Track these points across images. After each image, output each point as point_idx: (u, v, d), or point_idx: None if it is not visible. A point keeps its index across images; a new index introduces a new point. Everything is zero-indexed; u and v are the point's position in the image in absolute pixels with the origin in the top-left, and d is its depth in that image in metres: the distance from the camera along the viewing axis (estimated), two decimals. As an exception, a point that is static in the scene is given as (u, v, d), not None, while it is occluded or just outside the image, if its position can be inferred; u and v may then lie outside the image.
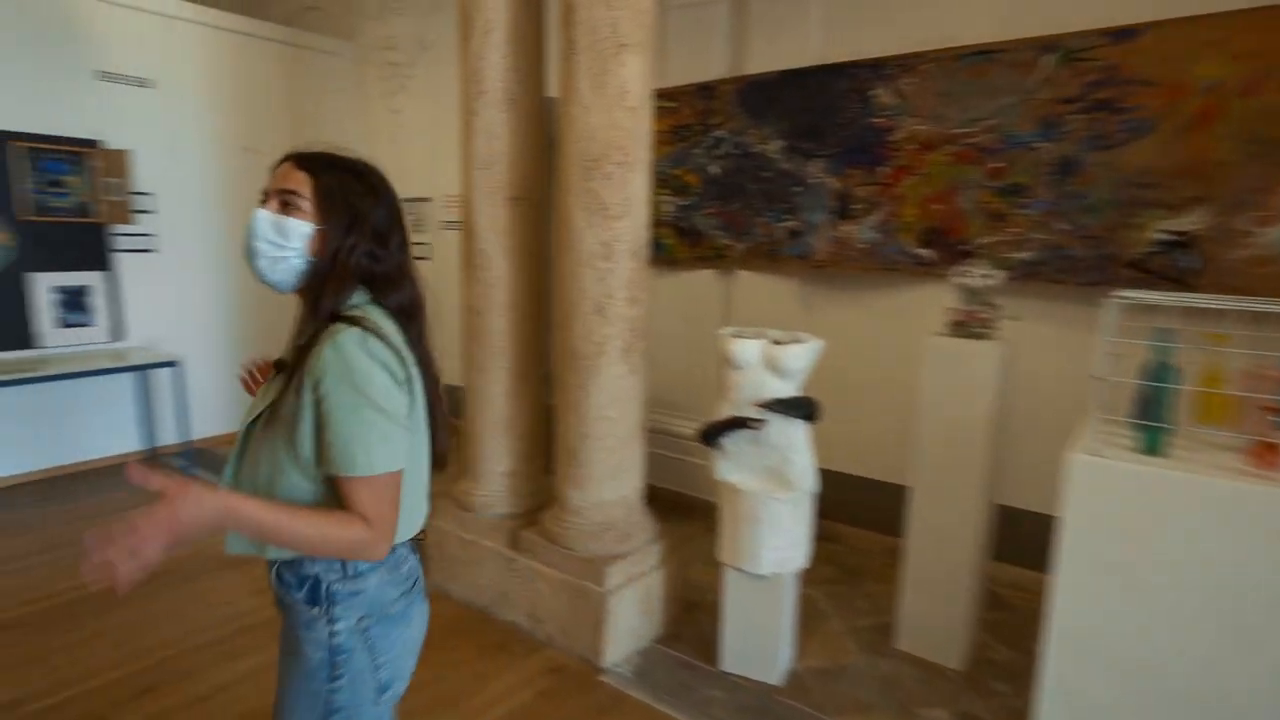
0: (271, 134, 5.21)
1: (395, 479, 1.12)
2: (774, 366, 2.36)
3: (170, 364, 4.38)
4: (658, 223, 3.68)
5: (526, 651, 2.67)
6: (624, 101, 2.44)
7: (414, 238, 5.49)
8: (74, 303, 4.37)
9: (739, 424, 2.38)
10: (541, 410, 3.05)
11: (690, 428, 4.02)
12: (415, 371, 1.18)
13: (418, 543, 1.31)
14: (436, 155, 5.25)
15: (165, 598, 3.00)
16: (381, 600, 1.21)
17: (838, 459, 3.50)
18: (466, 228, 2.87)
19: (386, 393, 1.10)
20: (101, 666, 2.54)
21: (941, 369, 2.54)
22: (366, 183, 1.23)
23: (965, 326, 2.54)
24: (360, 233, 1.18)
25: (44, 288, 4.25)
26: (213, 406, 5.03)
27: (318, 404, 1.08)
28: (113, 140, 4.45)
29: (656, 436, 3.59)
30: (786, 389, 2.38)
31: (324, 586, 1.17)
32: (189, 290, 4.88)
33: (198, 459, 4.65)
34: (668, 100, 3.90)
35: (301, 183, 1.18)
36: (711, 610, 2.73)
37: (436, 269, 5.42)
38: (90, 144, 4.37)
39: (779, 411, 2.36)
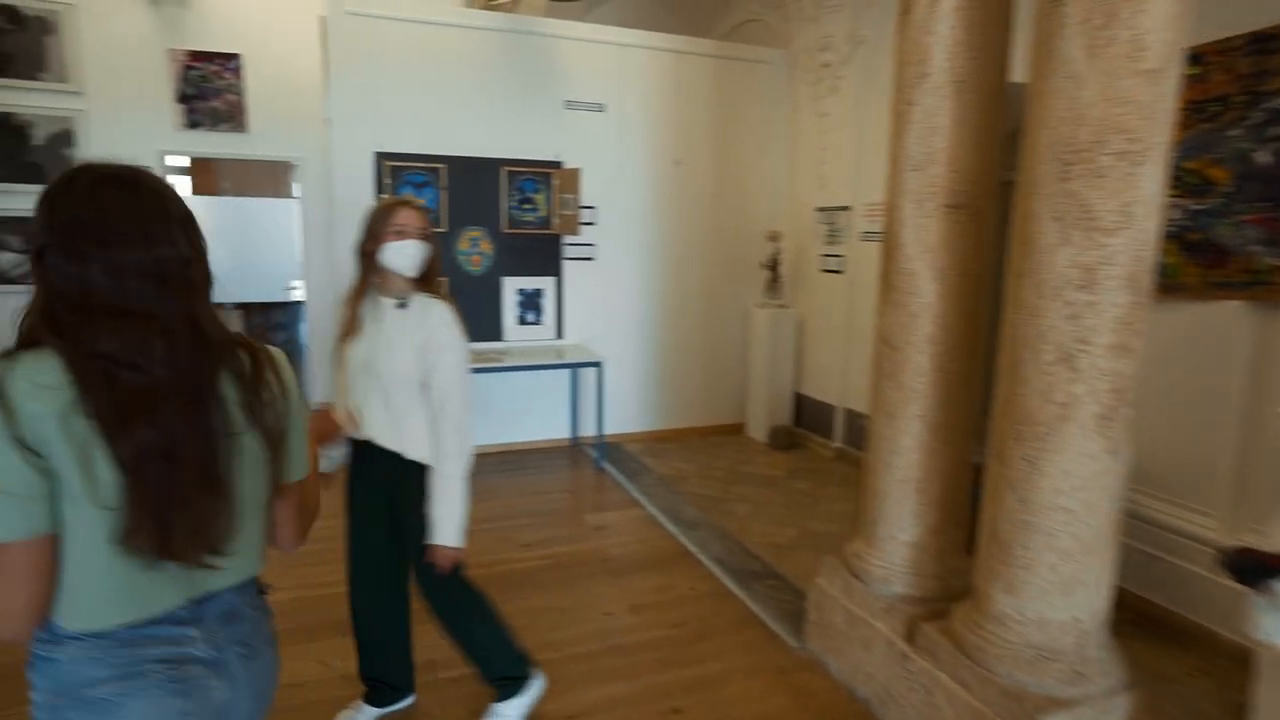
0: (702, 146, 5.36)
1: None
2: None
3: (595, 364, 4.75)
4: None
5: (916, 782, 2.10)
6: (1137, 63, 1.69)
7: (829, 249, 5.19)
8: (530, 304, 5.03)
9: (1314, 567, 1.46)
10: (965, 472, 2.41)
11: (1185, 520, 2.90)
12: (68, 433, 0.91)
13: (207, 625, 1.06)
14: (862, 159, 4.81)
15: (558, 593, 3.14)
16: (76, 679, 0.97)
17: None
18: (888, 241, 2.38)
19: None
20: (499, 652, 2.71)
21: None
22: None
23: None
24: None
25: (511, 290, 4.97)
26: (629, 405, 5.39)
27: None
28: (569, 160, 4.99)
29: (1130, 522, 2.62)
30: None
31: (31, 645, 0.99)
32: (617, 296, 5.28)
33: (608, 453, 4.99)
34: (1188, 65, 2.83)
35: None
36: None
37: (849, 285, 4.98)
38: (555, 165, 4.97)
39: None
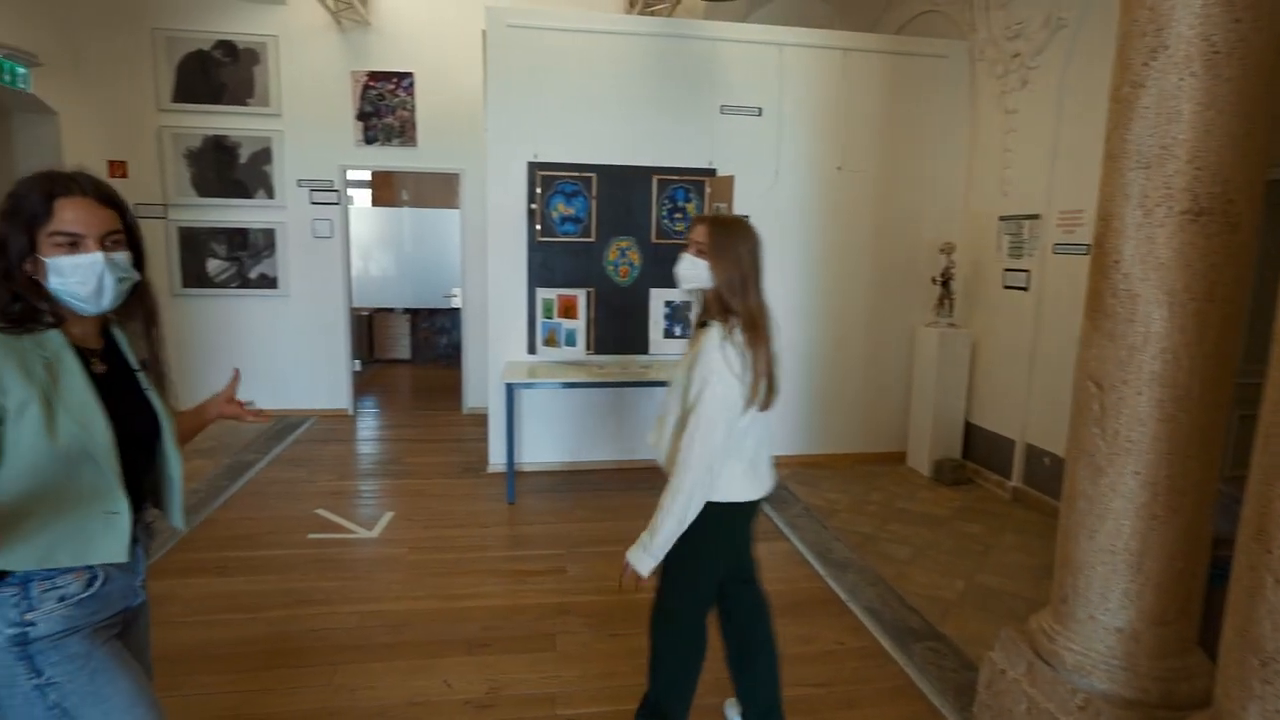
0: (866, 151, 4.95)
1: None
2: None
3: (741, 383, 4.47)
4: None
5: None
6: None
7: (1013, 263, 4.59)
8: (677, 316, 4.84)
9: None
10: (1202, 548, 1.91)
11: None
12: None
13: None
14: (1057, 161, 4.21)
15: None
16: None
17: None
18: (1100, 255, 1.94)
19: None
20: (624, 694, 2.52)
21: None
22: None
23: None
24: None
25: (659, 302, 4.82)
26: (776, 427, 5.05)
27: None
28: (723, 167, 4.77)
29: None
30: None
31: None
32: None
33: (754, 477, 4.70)
34: None
35: None
36: None
37: (1036, 304, 4.38)
38: (708, 172, 4.77)
39: None
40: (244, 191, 5.89)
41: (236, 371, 1.69)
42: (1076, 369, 2.03)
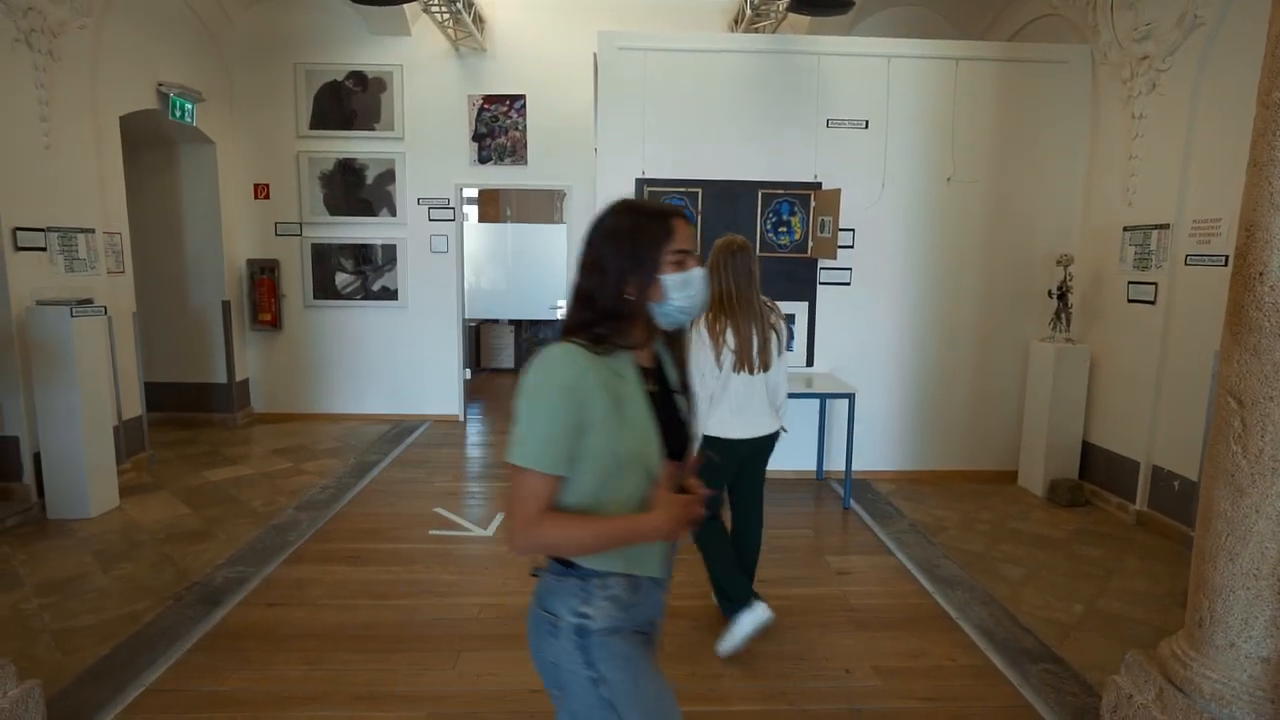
0: (979, 161, 4.84)
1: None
2: None
3: (847, 395, 4.45)
4: None
5: None
6: None
7: (1138, 275, 4.37)
8: (779, 329, 4.86)
9: None
10: (1353, 575, 1.80)
11: None
12: None
13: None
14: (1189, 168, 4.01)
15: (793, 639, 2.93)
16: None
17: None
18: (1243, 267, 1.87)
19: None
20: (732, 695, 2.58)
21: None
22: None
23: None
24: None
25: (759, 314, 4.86)
26: (882, 441, 4.99)
27: None
28: (829, 180, 4.77)
29: None
30: None
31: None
32: (874, 323, 4.93)
33: (856, 492, 4.65)
34: None
35: None
36: None
37: (1164, 319, 4.17)
38: (813, 186, 4.79)
39: None
40: (369, 210, 6.33)
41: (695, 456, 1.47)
42: (1219, 384, 1.96)
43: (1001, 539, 4.01)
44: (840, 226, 4.80)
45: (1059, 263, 4.59)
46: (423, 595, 3.25)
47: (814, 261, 4.83)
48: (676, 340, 1.40)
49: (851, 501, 4.49)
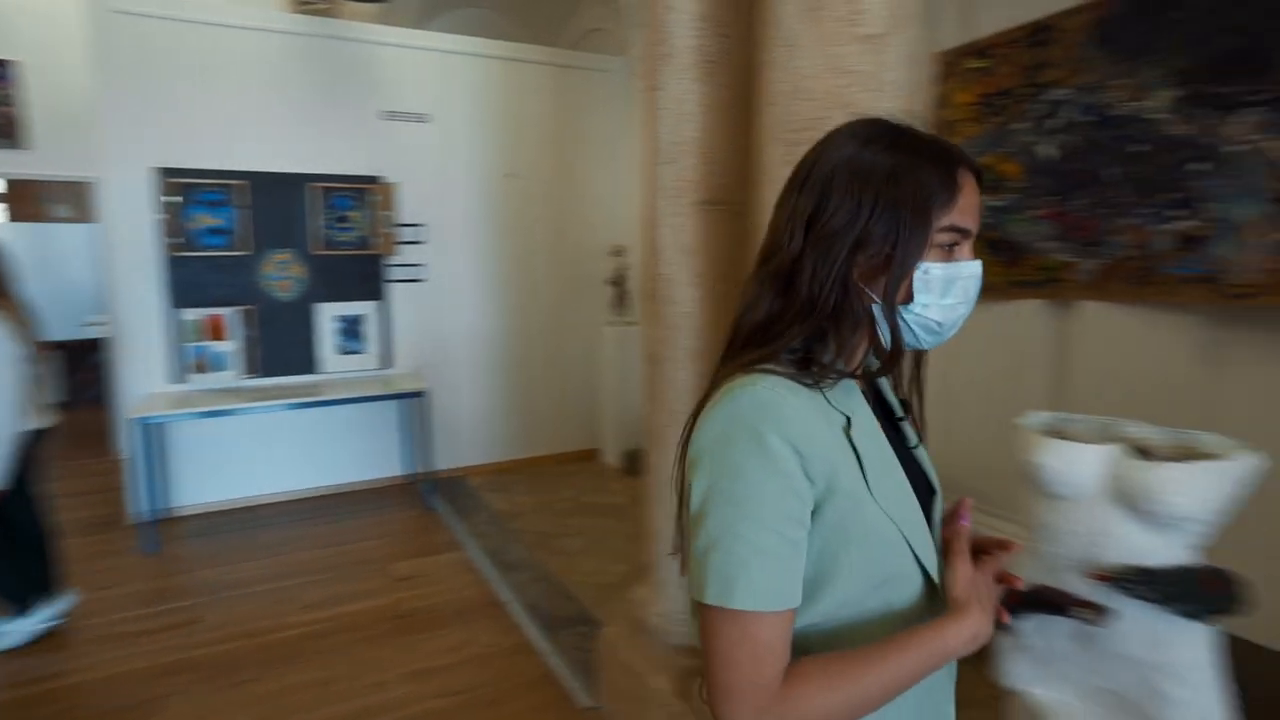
0: (537, 159, 5.07)
1: None
2: (1135, 499, 1.19)
3: (416, 394, 4.34)
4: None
5: None
6: (856, 27, 1.48)
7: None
8: (351, 331, 4.58)
9: (1053, 606, 1.24)
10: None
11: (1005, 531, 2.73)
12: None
13: None
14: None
15: (329, 662, 2.71)
16: None
17: None
18: (646, 245, 2.11)
19: None
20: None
21: None
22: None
23: None
24: None
25: (328, 317, 4.51)
26: (472, 436, 4.99)
27: None
28: (391, 175, 4.60)
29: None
30: (1164, 549, 1.19)
31: None
32: (454, 319, 4.89)
33: (445, 490, 4.58)
34: (976, 58, 2.74)
35: None
36: None
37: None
38: (372, 180, 4.57)
39: (1145, 596, 1.18)
40: None
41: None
42: (640, 350, 2.19)
43: (573, 514, 4.25)
44: (408, 222, 4.68)
45: (614, 253, 5.02)
46: None
47: (378, 258, 4.62)
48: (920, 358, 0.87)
49: (435, 501, 4.40)
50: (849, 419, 0.76)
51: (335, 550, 3.76)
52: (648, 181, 2.09)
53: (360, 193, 4.54)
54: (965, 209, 0.76)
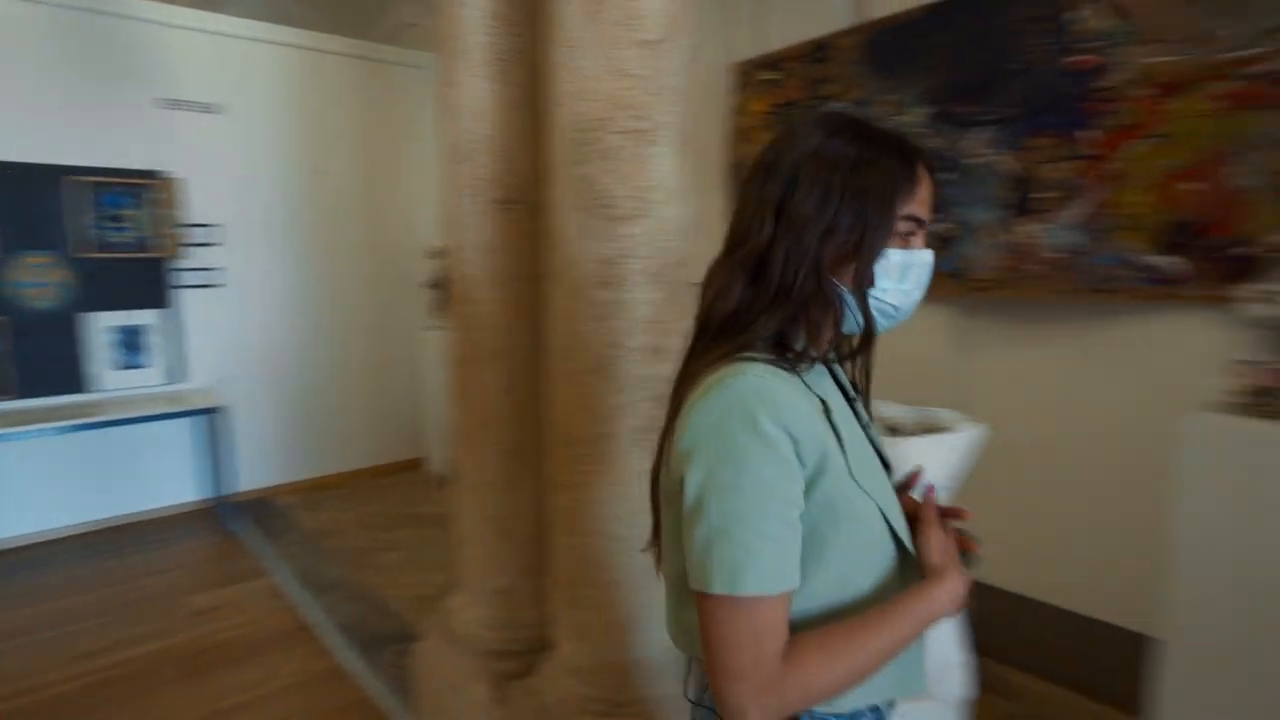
0: (348, 155, 4.81)
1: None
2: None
3: (211, 410, 3.96)
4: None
5: None
6: (635, 33, 1.53)
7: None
8: (131, 343, 4.09)
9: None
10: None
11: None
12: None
13: None
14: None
15: (107, 718, 2.41)
16: None
17: (1019, 578, 2.30)
18: (449, 245, 2.07)
19: None
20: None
21: (1219, 471, 1.36)
22: None
23: (1272, 396, 1.34)
24: None
25: (100, 328, 4.00)
26: (281, 452, 4.63)
27: None
28: (179, 170, 4.17)
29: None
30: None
31: None
32: (258, 328, 4.52)
33: (251, 512, 4.21)
34: (768, 70, 2.93)
35: None
36: None
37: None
38: (151, 175, 4.11)
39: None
40: None
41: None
42: (447, 354, 2.14)
43: (393, 527, 4.07)
44: (198, 222, 4.27)
45: (432, 255, 4.86)
46: None
47: (162, 261, 4.17)
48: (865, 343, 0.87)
49: (239, 526, 4.04)
50: (825, 402, 0.80)
51: (120, 589, 3.35)
52: (447, 180, 2.04)
53: (137, 189, 4.07)
54: (923, 200, 0.82)
